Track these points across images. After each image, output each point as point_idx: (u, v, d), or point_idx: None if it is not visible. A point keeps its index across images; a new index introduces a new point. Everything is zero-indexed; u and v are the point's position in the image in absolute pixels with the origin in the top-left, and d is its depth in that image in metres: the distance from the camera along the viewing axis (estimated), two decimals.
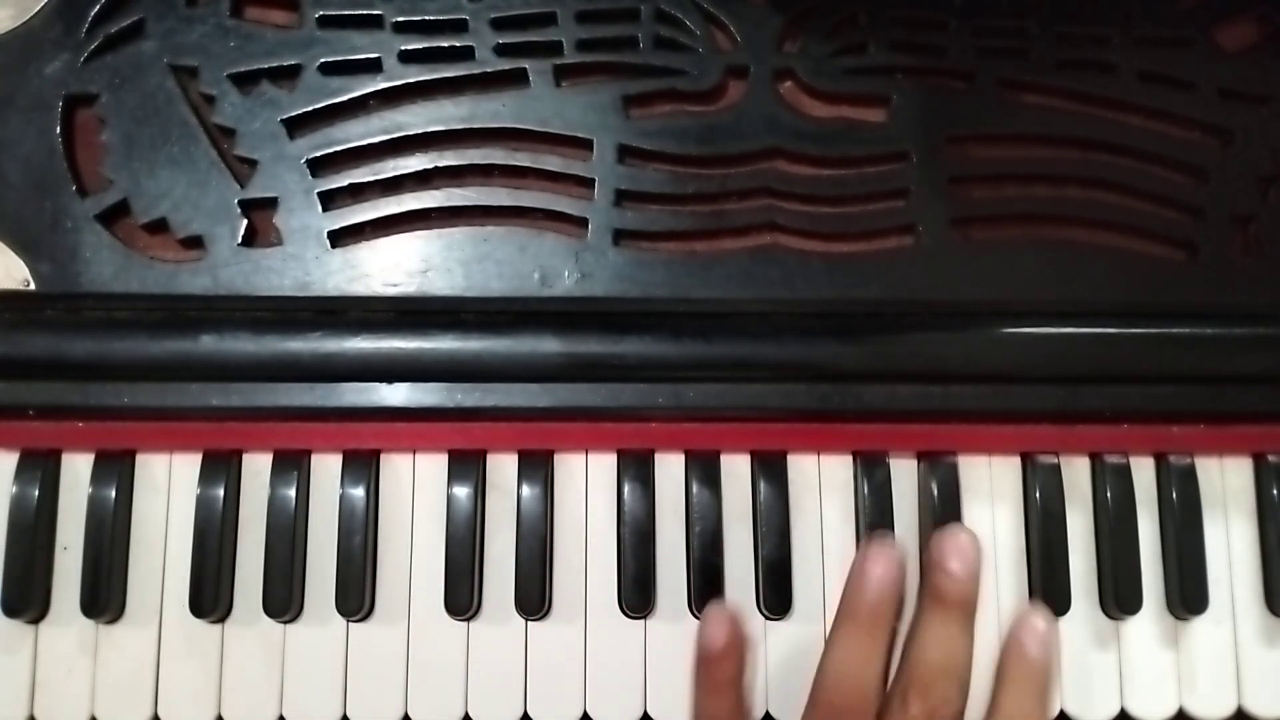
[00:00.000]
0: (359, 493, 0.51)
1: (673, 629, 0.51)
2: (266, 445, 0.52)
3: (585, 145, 0.53)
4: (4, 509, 0.50)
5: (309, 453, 0.52)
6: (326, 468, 0.52)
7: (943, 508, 0.51)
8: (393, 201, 0.53)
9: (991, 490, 0.53)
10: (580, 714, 0.50)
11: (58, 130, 0.52)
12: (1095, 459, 0.53)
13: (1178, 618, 0.52)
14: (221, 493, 0.50)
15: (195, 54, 0.53)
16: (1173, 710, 0.51)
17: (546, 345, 0.50)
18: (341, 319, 0.50)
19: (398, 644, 0.51)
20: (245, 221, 0.52)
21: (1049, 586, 0.51)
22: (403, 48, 0.53)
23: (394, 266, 0.52)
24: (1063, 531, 0.52)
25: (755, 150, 0.53)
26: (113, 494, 0.50)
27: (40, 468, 0.51)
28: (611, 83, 0.54)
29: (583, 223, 0.53)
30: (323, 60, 0.53)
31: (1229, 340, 0.52)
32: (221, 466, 0.51)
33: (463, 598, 0.50)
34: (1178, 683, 0.52)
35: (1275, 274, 0.53)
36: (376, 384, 0.50)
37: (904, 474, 0.52)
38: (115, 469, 0.51)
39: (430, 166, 0.53)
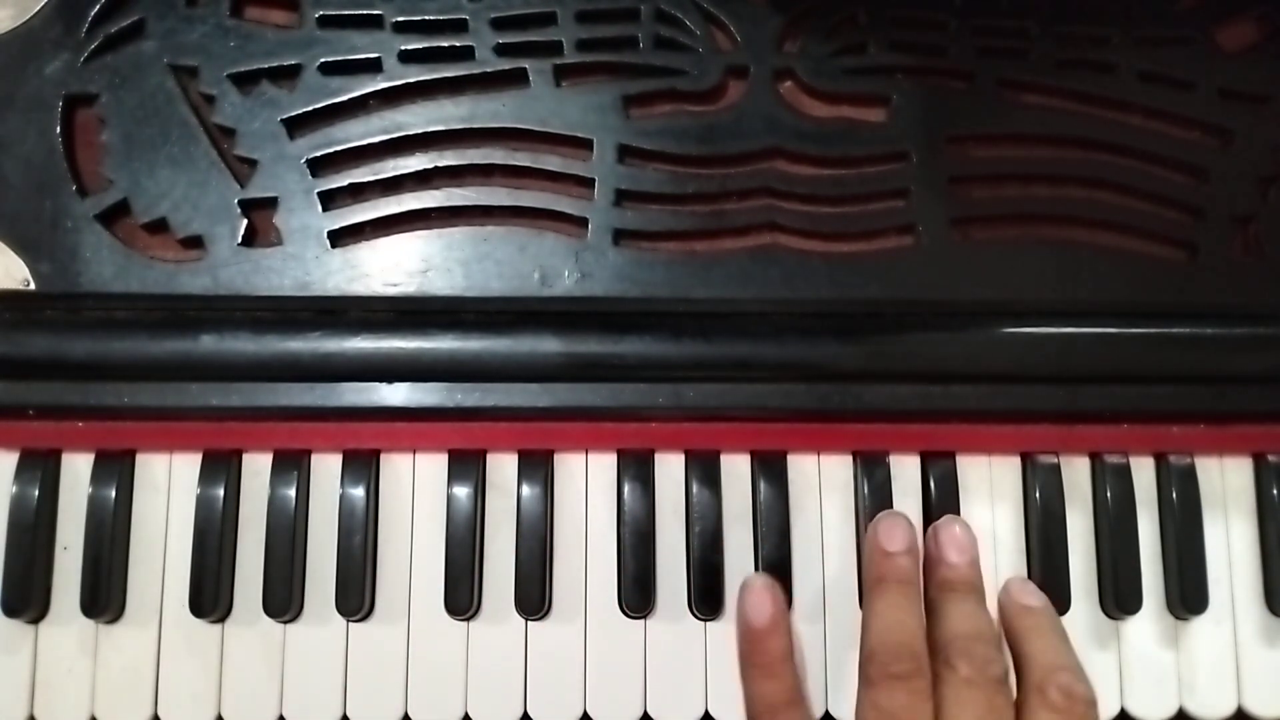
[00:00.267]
0: (359, 493, 0.51)
1: (673, 629, 0.51)
2: (266, 445, 0.52)
3: (585, 145, 0.53)
4: (4, 509, 0.50)
5: (309, 453, 0.52)
6: (326, 468, 0.52)
7: (943, 508, 0.51)
8: (393, 201, 0.53)
9: (991, 490, 0.53)
10: (580, 714, 0.50)
11: (58, 130, 0.52)
12: (1095, 459, 0.53)
13: (1178, 618, 0.52)
14: (221, 493, 0.50)
15: (195, 54, 0.53)
16: (1173, 710, 0.51)
17: (546, 345, 0.50)
18: (341, 319, 0.50)
19: (398, 644, 0.51)
20: (245, 221, 0.52)
21: (1049, 586, 0.51)
22: (403, 48, 0.53)
23: (394, 266, 0.52)
24: (1063, 531, 0.52)
25: (755, 150, 0.53)
26: (113, 494, 0.50)
27: (40, 468, 0.51)
28: (611, 83, 0.54)
29: (583, 223, 0.53)
30: (323, 60, 0.53)
31: (1229, 340, 0.52)
32: (221, 466, 0.51)
33: (463, 598, 0.50)
34: (1178, 683, 0.52)
35: (1275, 274, 0.53)
36: (376, 384, 0.50)
37: (904, 474, 0.52)
38: (115, 469, 0.51)
39: (430, 166, 0.53)
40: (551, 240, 0.52)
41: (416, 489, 0.52)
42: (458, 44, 0.54)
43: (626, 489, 0.51)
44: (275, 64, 0.53)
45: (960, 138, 0.54)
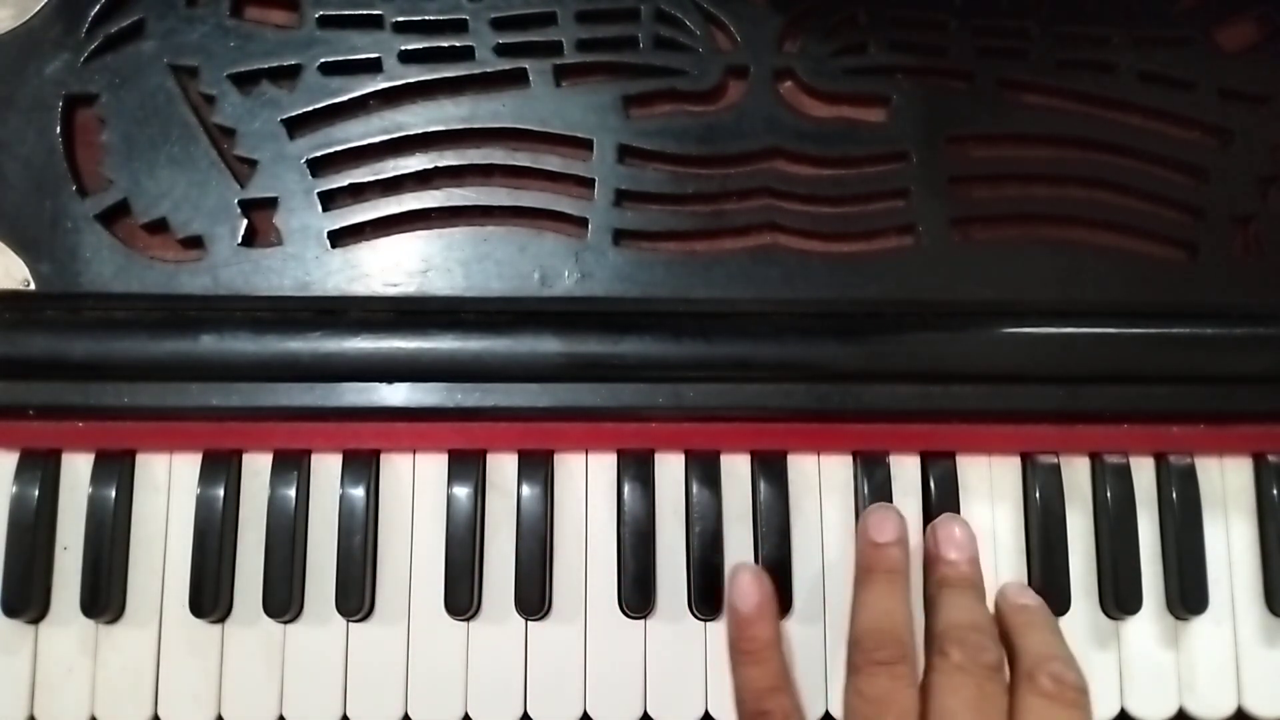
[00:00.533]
0: (359, 493, 0.51)
1: (673, 629, 0.51)
2: (266, 445, 0.52)
3: (585, 145, 0.53)
4: (4, 509, 0.50)
5: (309, 453, 0.52)
6: (326, 468, 0.52)
7: (943, 508, 0.51)
8: (393, 201, 0.53)
9: (991, 490, 0.53)
10: (580, 714, 0.50)
11: (58, 130, 0.52)
12: (1095, 459, 0.53)
13: (1178, 618, 0.52)
14: (221, 493, 0.50)
15: (195, 54, 0.53)
16: (1173, 710, 0.51)
17: (546, 345, 0.50)
18: (341, 319, 0.50)
19: (398, 644, 0.51)
20: (245, 221, 0.52)
21: (1049, 586, 0.51)
22: (403, 48, 0.53)
23: (394, 266, 0.52)
24: (1063, 531, 0.52)
25: (755, 150, 0.53)
26: (113, 494, 0.50)
27: (40, 468, 0.51)
28: (611, 83, 0.54)
29: (583, 223, 0.53)
30: (323, 60, 0.53)
31: (1229, 340, 0.52)
32: (221, 466, 0.51)
33: (463, 598, 0.50)
34: (1178, 683, 0.52)
35: (1275, 274, 0.53)
36: (376, 384, 0.50)
37: (904, 474, 0.52)
38: (115, 469, 0.51)
39: (430, 166, 0.53)
40: (551, 240, 0.52)
41: (416, 489, 0.52)
42: (458, 44, 0.54)
43: (626, 489, 0.51)
44: (275, 64, 0.53)
45: (960, 138, 0.54)
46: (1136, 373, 0.51)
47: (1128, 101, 0.55)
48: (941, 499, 0.51)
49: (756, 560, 0.51)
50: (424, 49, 0.53)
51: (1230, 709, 0.52)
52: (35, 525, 0.50)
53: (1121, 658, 0.52)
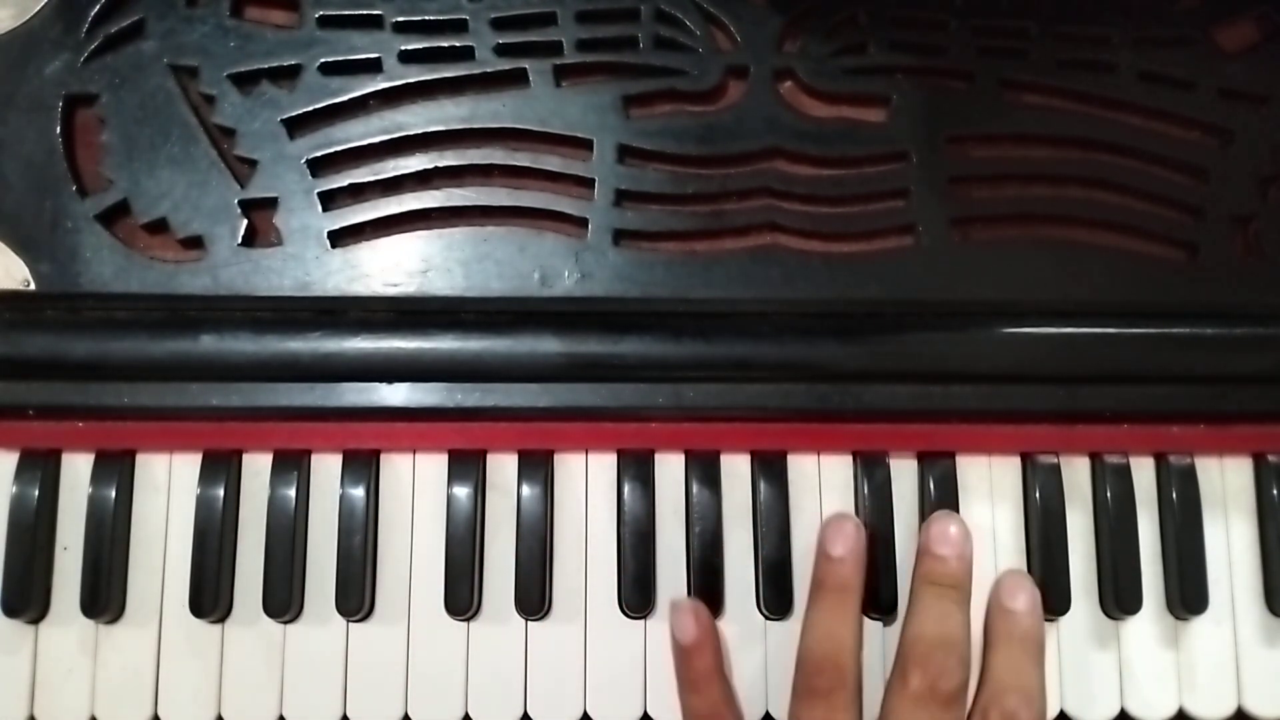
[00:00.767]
0: (359, 493, 0.51)
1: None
2: (266, 445, 0.52)
3: (585, 145, 0.53)
4: (4, 509, 0.50)
5: (309, 453, 0.52)
6: (326, 468, 0.52)
7: (942, 508, 0.51)
8: (393, 201, 0.53)
9: (991, 490, 0.53)
10: (580, 714, 0.50)
11: (58, 130, 0.52)
12: (1095, 459, 0.53)
13: (1178, 618, 0.52)
14: (221, 493, 0.50)
15: (195, 54, 0.53)
16: (1173, 710, 0.51)
17: (546, 345, 0.50)
18: (341, 319, 0.50)
19: (398, 644, 0.51)
20: (245, 221, 0.52)
21: (1049, 586, 0.51)
22: (403, 48, 0.53)
23: (394, 266, 0.52)
24: (1063, 531, 0.52)
25: (755, 150, 0.53)
26: (113, 494, 0.50)
27: (40, 468, 0.51)
28: (611, 83, 0.54)
29: (583, 223, 0.53)
30: (323, 60, 0.53)
31: (1229, 340, 0.52)
32: (221, 466, 0.51)
33: (463, 598, 0.50)
34: (1178, 683, 0.52)
35: (1275, 274, 0.53)
36: (376, 384, 0.50)
37: (904, 474, 0.52)
38: (115, 469, 0.51)
39: (430, 166, 0.53)
40: (551, 240, 0.52)
41: (416, 489, 0.52)
42: (458, 44, 0.54)
43: (626, 489, 0.51)
44: (275, 64, 0.53)
45: (960, 138, 0.54)
46: (1136, 373, 0.51)
47: (1128, 101, 0.55)
48: (941, 499, 0.51)
49: (756, 560, 0.51)
50: (424, 49, 0.53)
51: (1230, 709, 0.52)
52: (35, 525, 0.50)
53: (1121, 658, 0.52)
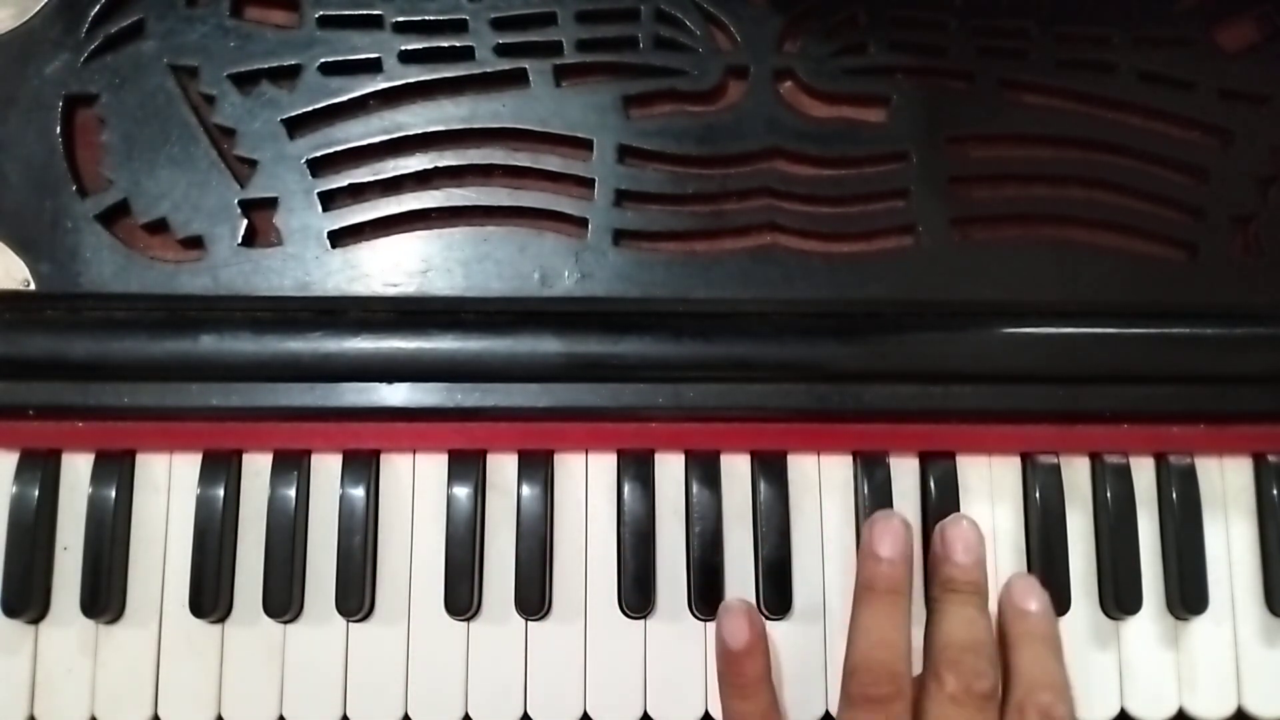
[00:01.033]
0: (359, 493, 0.51)
1: (673, 629, 0.51)
2: (266, 445, 0.52)
3: (585, 145, 0.53)
4: (4, 509, 0.50)
5: (309, 453, 0.52)
6: (326, 468, 0.52)
7: (942, 508, 0.51)
8: (393, 201, 0.53)
9: (991, 490, 0.53)
10: (580, 714, 0.50)
11: (58, 130, 0.52)
12: (1095, 459, 0.53)
13: (1178, 618, 0.52)
14: (221, 493, 0.50)
15: (195, 54, 0.53)
16: (1173, 710, 0.51)
17: (546, 345, 0.50)
18: (341, 319, 0.50)
19: (398, 644, 0.51)
20: (245, 221, 0.52)
21: (1049, 586, 0.50)
22: (403, 48, 0.53)
23: (394, 266, 0.52)
24: (1063, 531, 0.52)
25: (755, 150, 0.53)
26: (113, 494, 0.50)
27: (40, 468, 0.51)
28: (611, 83, 0.54)
29: (583, 223, 0.53)
30: (323, 60, 0.53)
31: (1229, 340, 0.52)
32: (221, 466, 0.51)
33: (463, 598, 0.50)
34: (1178, 683, 0.52)
35: (1275, 274, 0.53)
36: (376, 384, 0.50)
37: (904, 474, 0.52)
38: (115, 469, 0.51)
39: (430, 166, 0.53)
40: (551, 240, 0.52)
41: (416, 489, 0.52)
42: (458, 44, 0.54)
43: (626, 489, 0.51)
44: (275, 64, 0.53)
45: (960, 138, 0.54)
46: (1136, 373, 0.51)
47: (1128, 101, 0.55)
48: (941, 499, 0.51)
49: (756, 560, 0.51)
50: (424, 49, 0.53)
51: (1230, 709, 0.52)
52: (35, 525, 0.50)
53: (1121, 658, 0.52)
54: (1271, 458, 0.53)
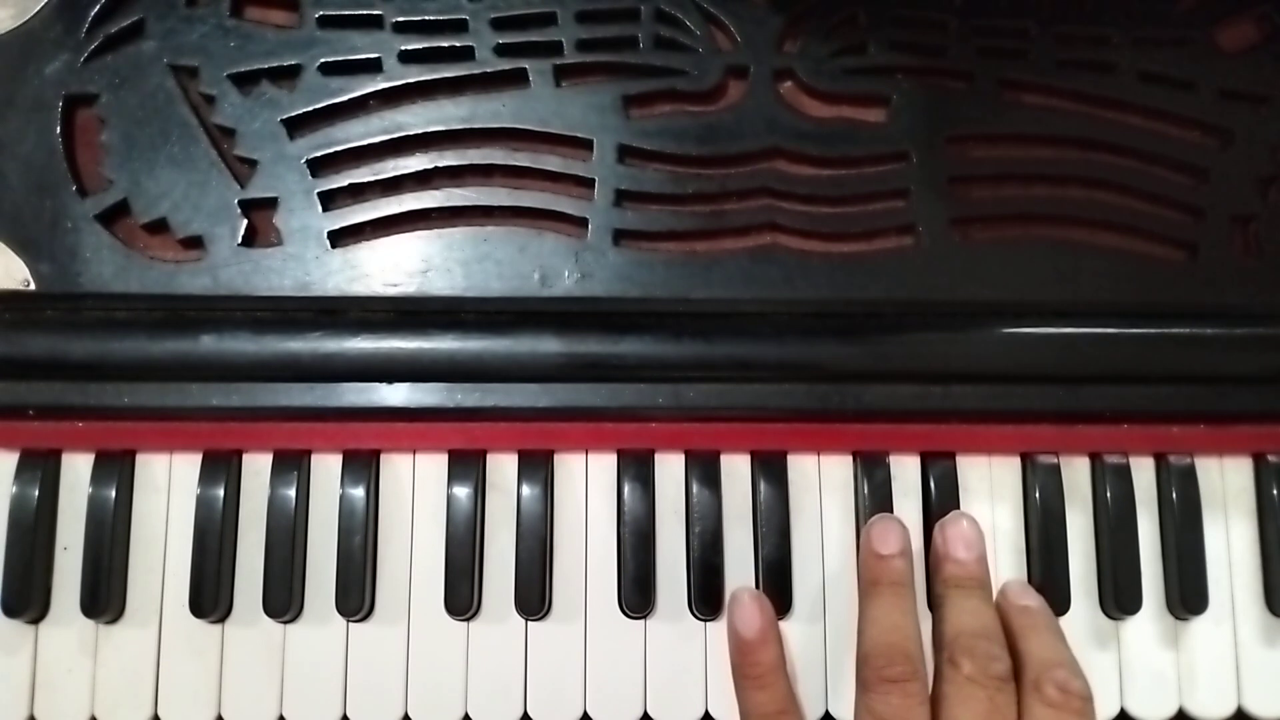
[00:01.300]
0: (359, 493, 0.51)
1: (673, 629, 0.51)
2: (266, 445, 0.52)
3: (585, 145, 0.53)
4: (4, 509, 0.50)
5: (309, 453, 0.52)
6: (326, 468, 0.52)
7: (943, 508, 0.51)
8: (393, 201, 0.53)
9: (991, 490, 0.53)
10: (580, 714, 0.50)
11: (58, 130, 0.52)
12: (1095, 459, 0.53)
13: (1178, 618, 0.52)
14: (221, 493, 0.50)
15: (195, 54, 0.53)
16: (1173, 710, 0.51)
17: (546, 345, 0.50)
18: (341, 319, 0.50)
19: (398, 644, 0.51)
20: (245, 221, 0.52)
21: (1049, 586, 0.51)
22: (403, 48, 0.53)
23: (394, 266, 0.52)
24: (1063, 531, 0.52)
25: (755, 150, 0.53)
26: (113, 494, 0.50)
27: (40, 468, 0.51)
28: (611, 83, 0.54)
29: (583, 223, 0.53)
30: (323, 60, 0.53)
31: (1229, 340, 0.52)
32: (221, 466, 0.51)
33: (463, 598, 0.50)
34: (1178, 683, 0.52)
35: (1275, 274, 0.53)
36: (376, 384, 0.50)
37: (904, 474, 0.52)
38: (115, 469, 0.51)
39: (430, 166, 0.53)
40: (551, 240, 0.52)
41: (416, 489, 0.52)
42: (458, 44, 0.54)
43: (626, 489, 0.51)
44: (275, 64, 0.53)
45: (960, 138, 0.54)
46: (1136, 373, 0.51)
47: (1128, 101, 0.55)
48: (941, 499, 0.51)
49: (756, 560, 0.51)
50: (424, 49, 0.53)
51: (1230, 709, 0.52)
52: (35, 525, 0.50)
53: (1121, 658, 0.52)
54: (1271, 458, 0.53)
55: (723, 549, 0.51)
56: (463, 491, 0.51)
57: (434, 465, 0.52)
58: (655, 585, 0.51)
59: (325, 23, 0.54)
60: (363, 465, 0.51)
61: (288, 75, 0.53)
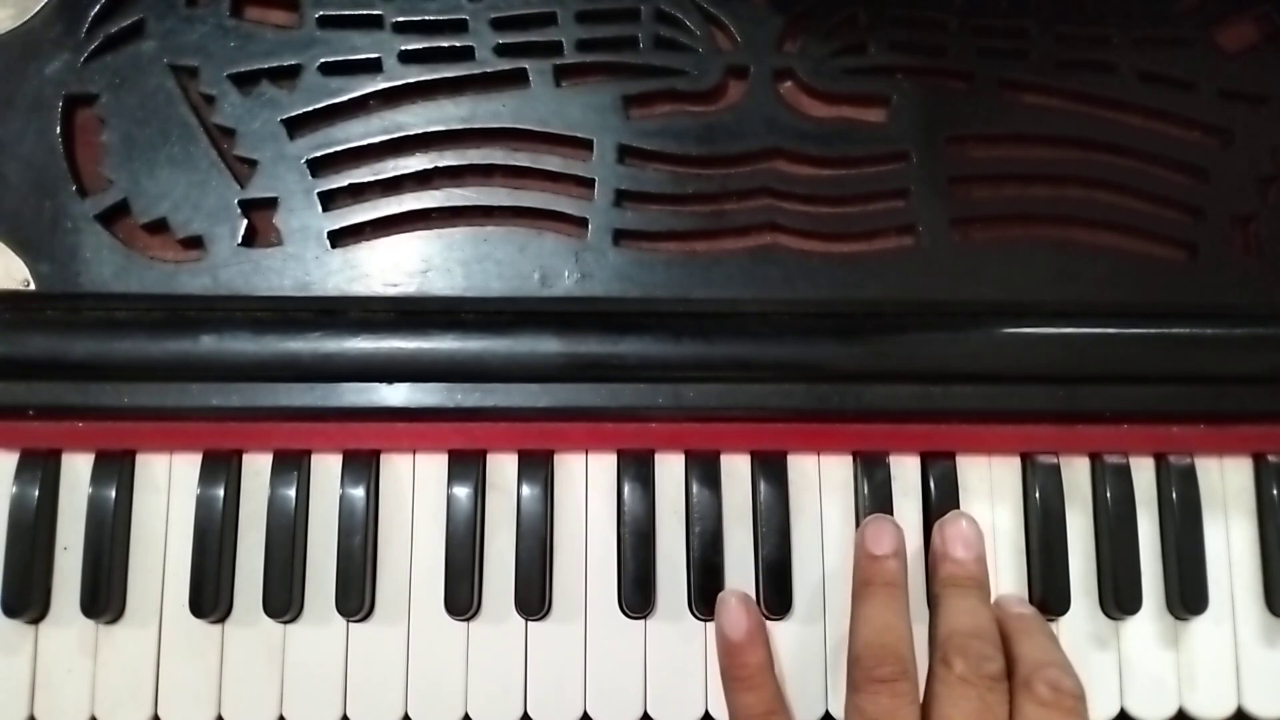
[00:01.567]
0: (359, 493, 0.51)
1: (673, 629, 0.51)
2: (266, 445, 0.52)
3: (585, 145, 0.53)
4: (4, 509, 0.50)
5: (309, 453, 0.52)
6: (326, 468, 0.52)
7: (943, 508, 0.51)
8: (393, 201, 0.53)
9: (991, 490, 0.53)
10: (580, 714, 0.50)
11: (58, 130, 0.52)
12: (1095, 459, 0.53)
13: (1178, 618, 0.52)
14: (221, 493, 0.50)
15: (195, 54, 0.53)
16: (1173, 710, 0.51)
17: (546, 345, 0.50)
18: (341, 319, 0.50)
19: (398, 644, 0.51)
20: (245, 221, 0.52)
21: (1049, 586, 0.51)
22: (403, 48, 0.53)
23: (394, 266, 0.52)
24: (1063, 531, 0.52)
25: (755, 150, 0.53)
26: (113, 494, 0.50)
27: (40, 468, 0.51)
28: (611, 83, 0.54)
29: (583, 223, 0.53)
30: (323, 60, 0.53)
31: (1229, 340, 0.52)
32: (221, 466, 0.51)
33: (463, 598, 0.50)
34: (1178, 683, 0.52)
35: (1275, 274, 0.53)
36: (376, 384, 0.50)
37: (904, 474, 0.52)
38: (115, 469, 0.51)
39: (430, 166, 0.53)
40: (551, 240, 0.52)
41: (416, 489, 0.52)
42: (458, 44, 0.54)
43: (626, 489, 0.51)
44: (275, 64, 0.53)
45: (960, 138, 0.54)
46: (1136, 373, 0.51)
47: (1128, 101, 0.55)
48: (941, 499, 0.51)
49: (756, 560, 0.51)
50: (424, 49, 0.53)
51: (1230, 709, 0.52)
52: (35, 525, 0.50)
53: (1121, 658, 0.52)
54: (1271, 458, 0.53)
55: (723, 549, 0.51)
56: (463, 491, 0.51)
57: (434, 465, 0.52)
58: (655, 585, 0.51)
59: (325, 23, 0.54)
60: (363, 465, 0.51)
61: (288, 75, 0.53)
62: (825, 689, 0.51)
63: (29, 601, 0.50)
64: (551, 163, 0.53)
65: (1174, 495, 0.52)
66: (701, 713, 0.50)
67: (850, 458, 0.53)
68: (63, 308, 0.51)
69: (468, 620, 0.51)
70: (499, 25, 0.54)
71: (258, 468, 0.52)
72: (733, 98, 0.54)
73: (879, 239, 0.53)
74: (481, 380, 0.50)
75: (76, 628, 0.50)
